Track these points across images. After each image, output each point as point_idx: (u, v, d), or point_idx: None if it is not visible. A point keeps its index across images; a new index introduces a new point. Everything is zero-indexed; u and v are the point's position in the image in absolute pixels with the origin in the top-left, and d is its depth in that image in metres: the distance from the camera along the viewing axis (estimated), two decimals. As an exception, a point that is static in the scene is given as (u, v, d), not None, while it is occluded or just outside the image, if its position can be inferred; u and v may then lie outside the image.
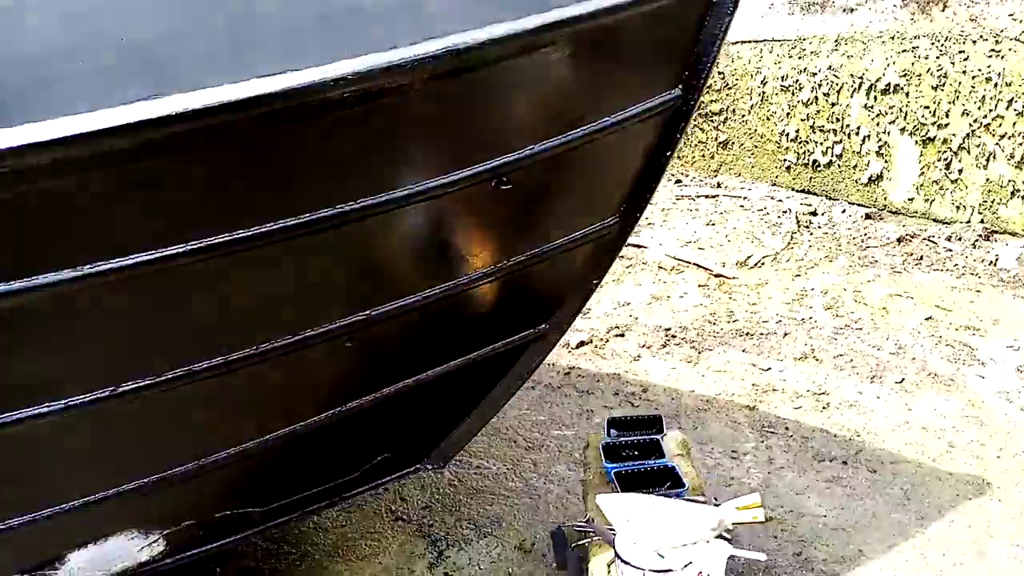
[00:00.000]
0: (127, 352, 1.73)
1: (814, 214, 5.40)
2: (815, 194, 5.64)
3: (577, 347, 4.10)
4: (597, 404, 3.56)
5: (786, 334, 4.10)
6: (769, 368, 3.82)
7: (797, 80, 5.52)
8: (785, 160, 5.75)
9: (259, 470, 2.11)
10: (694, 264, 4.94)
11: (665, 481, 2.32)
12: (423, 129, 1.76)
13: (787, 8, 5.48)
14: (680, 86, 1.99)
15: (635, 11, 1.77)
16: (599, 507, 2.17)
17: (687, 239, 5.26)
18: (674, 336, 4.15)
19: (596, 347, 4.11)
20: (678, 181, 6.07)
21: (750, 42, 5.77)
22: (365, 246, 1.88)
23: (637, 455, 2.50)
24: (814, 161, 5.57)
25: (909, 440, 3.24)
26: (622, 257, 5.08)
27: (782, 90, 5.65)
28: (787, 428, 3.36)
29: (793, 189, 5.75)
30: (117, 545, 1.93)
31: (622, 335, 4.22)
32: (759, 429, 3.36)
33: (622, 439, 2.59)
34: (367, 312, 1.90)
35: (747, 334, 4.12)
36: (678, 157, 6.19)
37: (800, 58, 5.49)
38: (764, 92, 5.77)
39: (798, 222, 5.28)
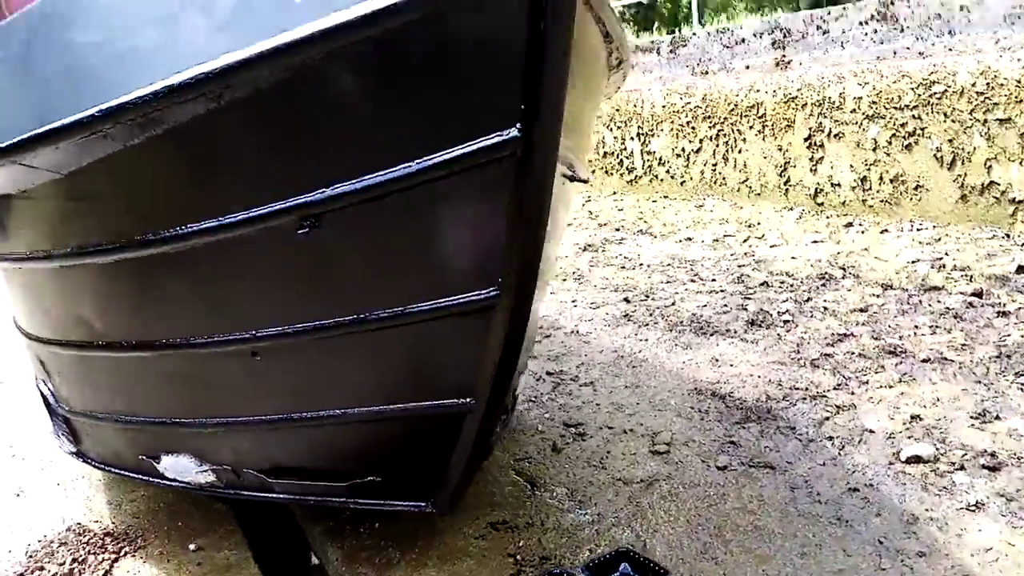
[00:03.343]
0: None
1: None
2: None
3: (907, 462, 2.98)
4: (833, 544, 2.61)
5: None
6: None
7: None
8: None
9: (276, 446, 2.43)
10: None
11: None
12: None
13: None
14: (518, 124, 1.45)
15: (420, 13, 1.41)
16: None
17: None
18: (1079, 501, 2.63)
19: (935, 470, 2.91)
20: None
21: None
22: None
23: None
24: None
25: None
26: None
27: None
28: None
29: None
30: (183, 462, 2.54)
31: (995, 468, 2.86)
32: None
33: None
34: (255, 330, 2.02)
35: None
36: None
37: None
38: None
39: None
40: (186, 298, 2.08)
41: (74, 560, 3.08)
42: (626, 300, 5.39)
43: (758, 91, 7.21)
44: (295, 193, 1.71)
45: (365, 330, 1.89)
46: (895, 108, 5.96)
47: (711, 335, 4.55)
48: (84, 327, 2.42)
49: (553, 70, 1.43)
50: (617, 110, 9.09)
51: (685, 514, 2.86)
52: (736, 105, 7.46)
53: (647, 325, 4.88)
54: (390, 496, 2.34)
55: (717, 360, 4.20)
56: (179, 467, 2.58)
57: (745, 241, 6.38)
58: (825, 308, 4.64)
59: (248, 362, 2.08)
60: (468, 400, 1.95)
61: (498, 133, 1.50)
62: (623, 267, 6.25)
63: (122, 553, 3.13)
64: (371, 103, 1.62)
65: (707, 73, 7.77)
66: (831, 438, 3.25)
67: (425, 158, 1.58)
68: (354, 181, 1.65)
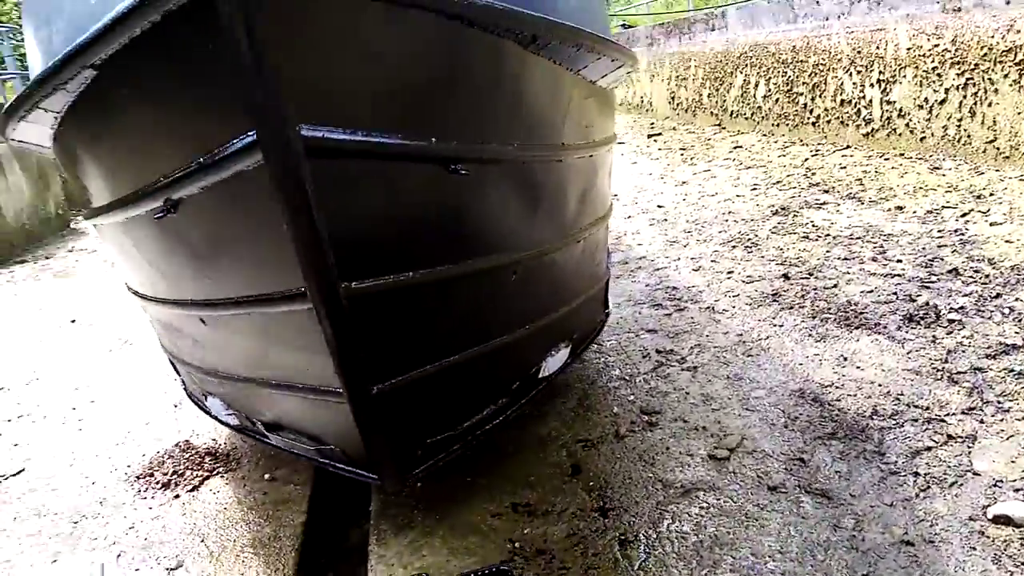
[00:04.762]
0: None
1: None
2: None
3: (993, 521, 2.41)
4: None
5: None
6: None
7: None
8: None
9: (255, 402, 2.57)
10: None
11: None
12: None
13: None
14: (254, 130, 1.35)
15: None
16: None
17: None
18: None
19: (1023, 538, 2.32)
20: None
21: None
22: None
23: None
24: None
25: None
26: None
27: None
28: None
29: None
30: (216, 404, 2.80)
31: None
32: None
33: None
34: None
35: None
36: None
37: None
38: None
39: None
40: (146, 261, 2.28)
41: (174, 472, 3.57)
42: (785, 276, 4.86)
43: (1019, 32, 5.92)
44: (154, 179, 1.79)
45: (246, 312, 1.94)
46: None
47: (856, 328, 3.97)
48: (127, 277, 2.75)
49: (259, 66, 1.33)
50: (859, 52, 8.00)
51: (700, 535, 2.60)
52: (990, 48, 6.21)
53: (792, 308, 4.37)
54: (352, 464, 2.40)
55: (845, 359, 3.66)
56: (216, 408, 2.87)
57: (964, 216, 5.38)
58: (1011, 309, 3.81)
59: (201, 327, 2.23)
60: (336, 388, 1.92)
61: (243, 135, 1.44)
62: (806, 236, 5.60)
63: (214, 472, 3.56)
64: (154, 104, 1.63)
65: (959, 10, 6.52)
66: (919, 474, 2.72)
67: (204, 159, 1.57)
68: (169, 175, 1.68)
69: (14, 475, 3.74)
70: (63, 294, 7.36)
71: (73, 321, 6.38)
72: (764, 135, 10.14)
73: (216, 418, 3.04)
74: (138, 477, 3.57)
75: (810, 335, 4.00)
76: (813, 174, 7.51)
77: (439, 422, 2.30)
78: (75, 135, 2.00)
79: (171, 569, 2.81)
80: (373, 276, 1.73)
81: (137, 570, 2.83)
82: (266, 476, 3.42)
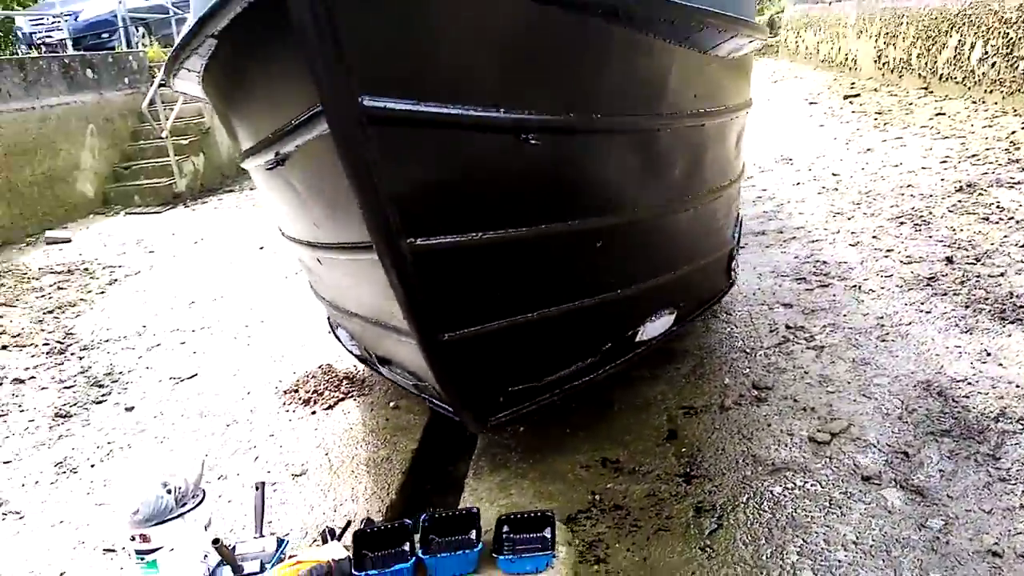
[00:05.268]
0: None
1: None
2: None
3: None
4: None
5: None
6: None
7: None
8: None
9: (366, 336, 2.82)
10: None
11: None
12: None
13: None
14: (320, 102, 1.51)
15: None
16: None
17: None
18: None
19: None
20: None
21: None
22: None
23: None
24: None
25: None
26: None
27: None
28: None
29: None
30: (344, 335, 3.09)
31: None
32: None
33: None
34: None
35: None
36: None
37: None
38: None
39: None
40: (276, 204, 2.57)
41: (315, 391, 3.99)
42: (948, 260, 4.50)
43: None
44: (265, 136, 2.02)
45: (345, 258, 2.15)
46: None
47: (1011, 323, 3.64)
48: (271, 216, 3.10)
49: (322, 43, 1.48)
50: (1095, 12, 7.00)
51: (777, 514, 2.59)
52: None
53: (945, 295, 4.06)
54: (443, 401, 2.59)
55: (988, 354, 3.39)
56: (345, 338, 3.18)
57: None
58: None
59: (320, 266, 2.49)
60: (410, 332, 2.09)
61: (314, 106, 1.61)
62: (986, 218, 5.11)
63: (348, 395, 3.95)
64: (259, 70, 1.83)
65: None
66: (1031, 485, 2.53)
67: (294, 121, 1.75)
68: (276, 132, 1.90)
69: (189, 378, 4.35)
70: (257, 222, 8.20)
71: (261, 248, 7.13)
72: (973, 102, 9.17)
73: (345, 347, 3.38)
74: (285, 392, 4.03)
75: (957, 325, 3.72)
76: (1017, 149, 6.75)
77: (520, 373, 2.44)
78: (213, 92, 2.30)
79: (296, 475, 3.20)
80: (438, 234, 1.88)
81: (268, 472, 3.24)
82: (391, 404, 3.75)
